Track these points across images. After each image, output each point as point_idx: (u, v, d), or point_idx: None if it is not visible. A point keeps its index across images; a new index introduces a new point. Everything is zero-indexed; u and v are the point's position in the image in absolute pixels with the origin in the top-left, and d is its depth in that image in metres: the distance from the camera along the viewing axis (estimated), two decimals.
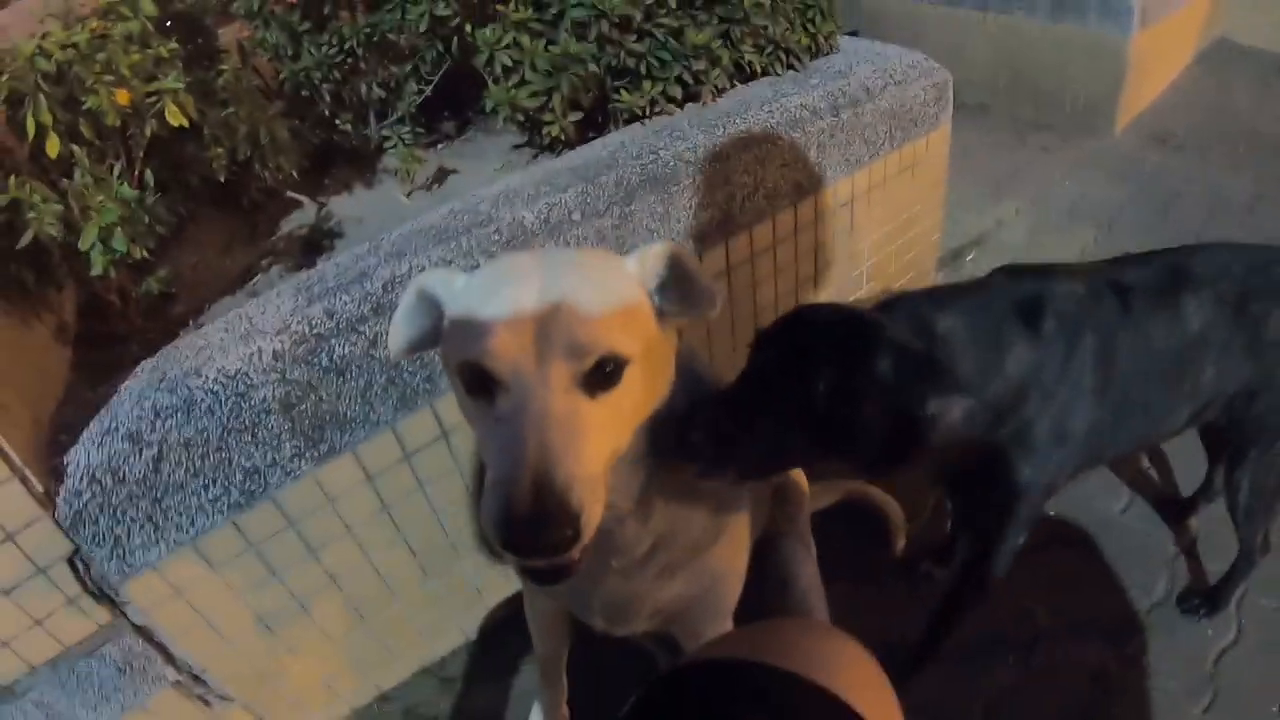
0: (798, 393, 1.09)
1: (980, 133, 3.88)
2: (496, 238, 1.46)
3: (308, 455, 1.36)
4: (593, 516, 0.76)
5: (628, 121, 1.80)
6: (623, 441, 0.85)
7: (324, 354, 1.32)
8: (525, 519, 0.72)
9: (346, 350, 1.34)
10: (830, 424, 1.09)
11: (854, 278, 2.21)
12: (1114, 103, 3.79)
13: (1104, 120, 3.85)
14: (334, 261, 1.48)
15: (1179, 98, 4.37)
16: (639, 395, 0.85)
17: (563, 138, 1.74)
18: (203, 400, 1.23)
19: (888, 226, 2.23)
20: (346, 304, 1.36)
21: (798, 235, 1.90)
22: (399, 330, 0.95)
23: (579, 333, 0.79)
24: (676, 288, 0.90)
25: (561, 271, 0.84)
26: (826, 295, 2.11)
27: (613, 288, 0.85)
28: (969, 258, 2.98)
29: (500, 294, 0.82)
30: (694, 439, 1.00)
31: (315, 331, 1.32)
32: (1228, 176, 3.63)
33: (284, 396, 1.30)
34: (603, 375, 0.80)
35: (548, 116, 1.71)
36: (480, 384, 0.81)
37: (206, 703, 1.45)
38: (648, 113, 1.79)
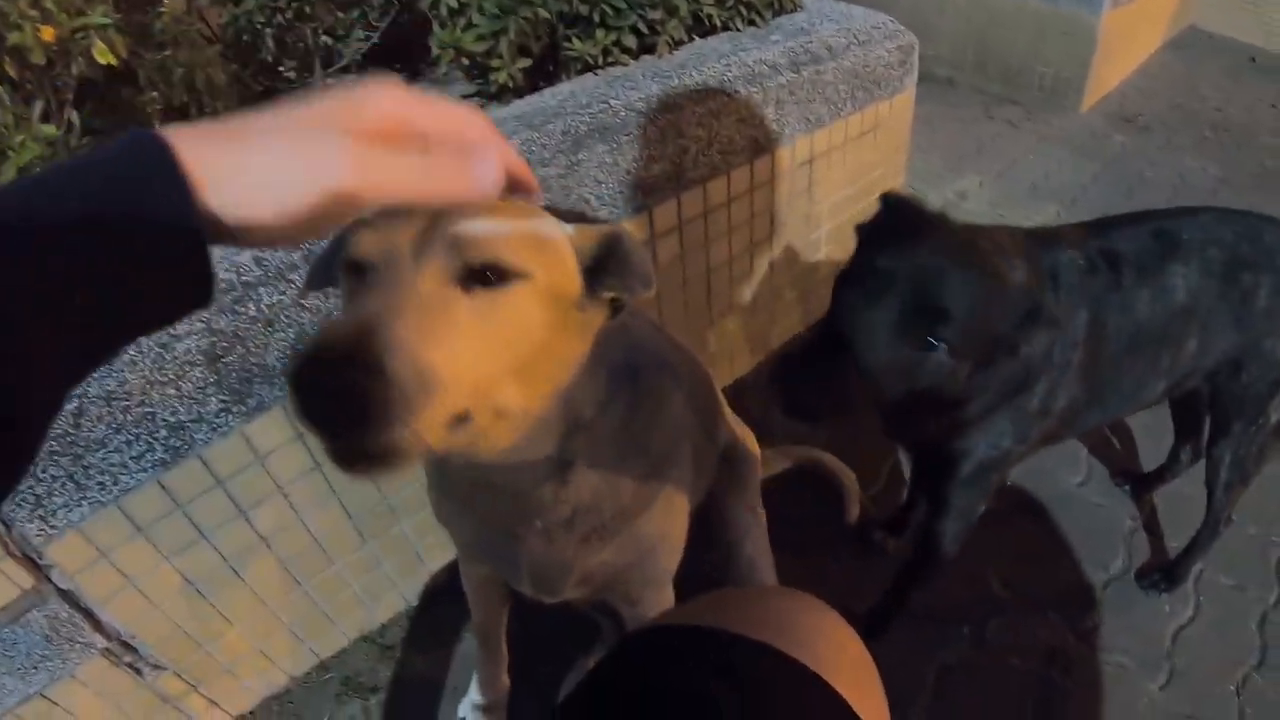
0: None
1: (946, 105, 3.86)
2: None
3: (235, 410, 1.29)
4: (420, 406, 0.61)
5: (580, 71, 1.73)
6: (500, 371, 0.72)
7: (251, 302, 1.24)
8: (319, 355, 0.58)
9: (275, 299, 1.27)
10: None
11: (812, 240, 2.17)
12: (1082, 81, 3.79)
13: (1071, 98, 3.85)
14: None
15: (1147, 81, 4.39)
16: (536, 331, 0.74)
17: (511, 85, 1.67)
18: (123, 352, 1.16)
19: (848, 190, 2.19)
20: (276, 250, 1.29)
21: (753, 193, 1.85)
22: (313, 262, 0.88)
23: (466, 232, 0.69)
24: (612, 265, 0.83)
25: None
26: (782, 256, 2.06)
27: (529, 220, 0.77)
28: None
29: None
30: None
31: (243, 279, 1.25)
32: (1192, 160, 3.64)
33: (209, 348, 1.23)
34: (485, 277, 0.69)
35: (495, 62, 1.64)
36: (359, 281, 0.70)
37: (138, 671, 1.39)
38: (601, 62, 1.72)
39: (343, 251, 0.73)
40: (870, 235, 1.16)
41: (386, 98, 0.51)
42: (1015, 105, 3.91)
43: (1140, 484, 2.05)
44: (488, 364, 0.70)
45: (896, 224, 1.13)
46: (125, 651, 1.37)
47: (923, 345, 1.05)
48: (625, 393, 0.98)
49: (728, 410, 1.50)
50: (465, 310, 0.68)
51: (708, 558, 1.47)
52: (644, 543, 1.12)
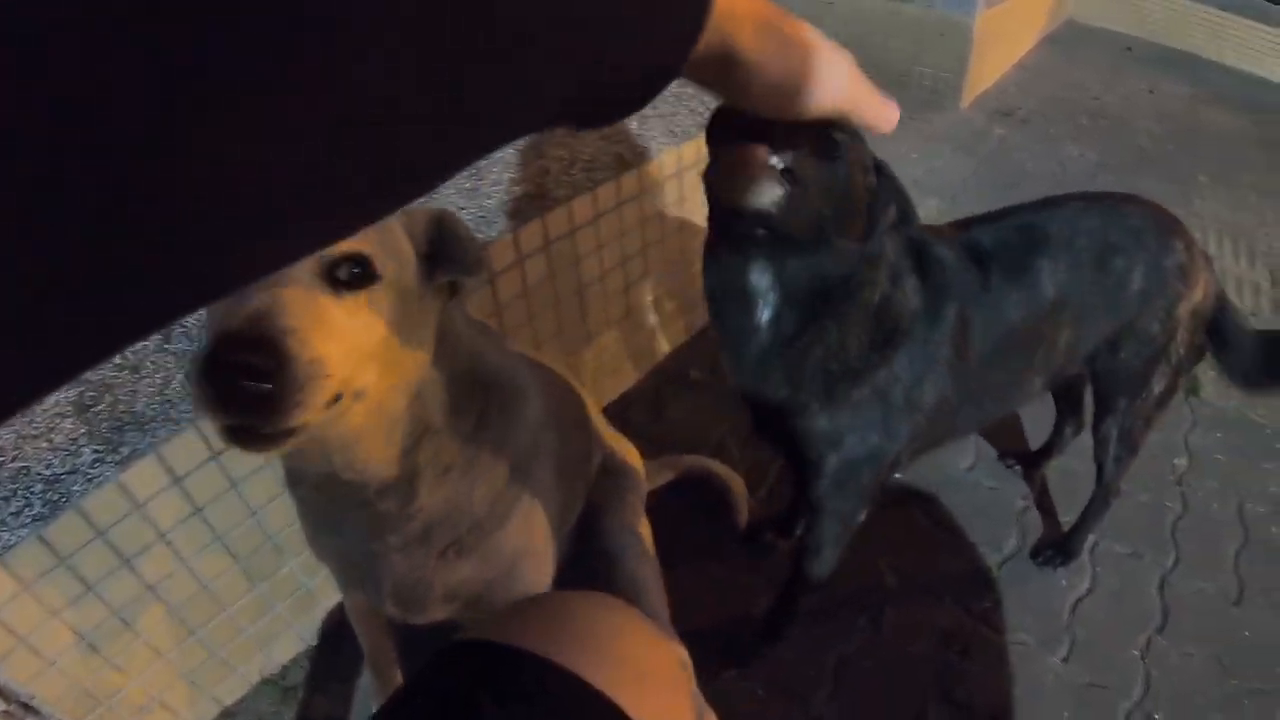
0: None
1: None
2: None
3: (109, 459, 1.27)
4: (309, 391, 0.69)
5: None
6: (363, 358, 0.78)
7: None
8: (227, 345, 0.66)
9: (140, 345, 1.26)
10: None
11: (688, 252, 2.19)
12: (960, 80, 3.90)
13: (950, 97, 3.95)
14: None
15: (1025, 75, 4.54)
16: (385, 329, 0.80)
17: None
18: None
19: None
20: None
21: (621, 208, 1.87)
22: None
23: None
24: (444, 249, 0.87)
25: None
26: (656, 268, 2.09)
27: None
28: None
29: None
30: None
31: None
32: (1072, 148, 3.78)
33: (78, 398, 1.23)
34: (349, 275, 0.76)
35: None
36: None
37: None
38: None
39: None
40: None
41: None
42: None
43: (1029, 462, 2.09)
44: (355, 352, 0.76)
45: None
46: (26, 714, 1.33)
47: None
48: (475, 403, 1.00)
49: (604, 425, 1.52)
50: (337, 313, 0.74)
51: (587, 571, 1.49)
52: (504, 557, 1.13)
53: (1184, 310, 1.44)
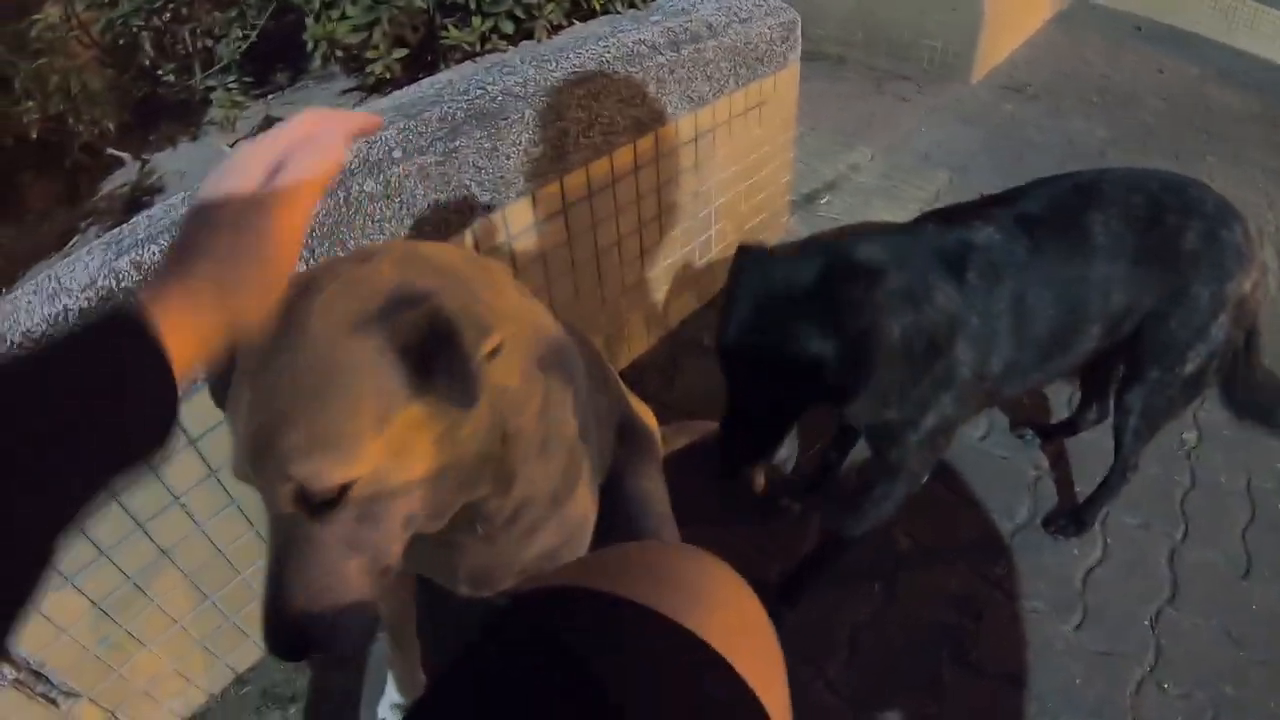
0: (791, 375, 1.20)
1: (837, 82, 3.93)
2: None
3: None
4: (355, 616, 0.76)
5: (460, 60, 1.74)
6: (394, 534, 0.80)
7: None
8: (276, 649, 0.74)
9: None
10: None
11: (702, 218, 2.19)
12: (970, 55, 3.88)
13: (960, 72, 3.94)
14: (146, 213, 1.38)
15: (1035, 52, 4.51)
16: (401, 498, 0.78)
17: (389, 76, 1.67)
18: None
19: (736, 166, 2.21)
20: (155, 254, 1.26)
21: (638, 172, 1.86)
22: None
23: (274, 458, 0.72)
24: (441, 360, 0.74)
25: (273, 387, 0.73)
26: (672, 235, 2.09)
27: (330, 402, 0.73)
28: (824, 200, 3.00)
29: (227, 410, 0.78)
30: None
31: (123, 285, 1.23)
32: (1079, 124, 3.76)
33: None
34: (321, 499, 0.73)
35: (371, 54, 1.64)
36: None
37: (52, 700, 1.34)
38: (479, 50, 1.73)
39: None
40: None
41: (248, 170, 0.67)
42: (905, 80, 3.99)
43: (1046, 434, 2.12)
44: (376, 550, 0.78)
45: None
46: (37, 681, 1.32)
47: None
48: (538, 384, 0.97)
49: (622, 387, 1.51)
50: (327, 535, 0.75)
51: (610, 535, 1.48)
52: (573, 525, 1.13)
53: (1232, 293, 1.45)
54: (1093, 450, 1.99)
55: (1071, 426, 2.08)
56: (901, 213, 2.74)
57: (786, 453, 2.01)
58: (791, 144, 2.43)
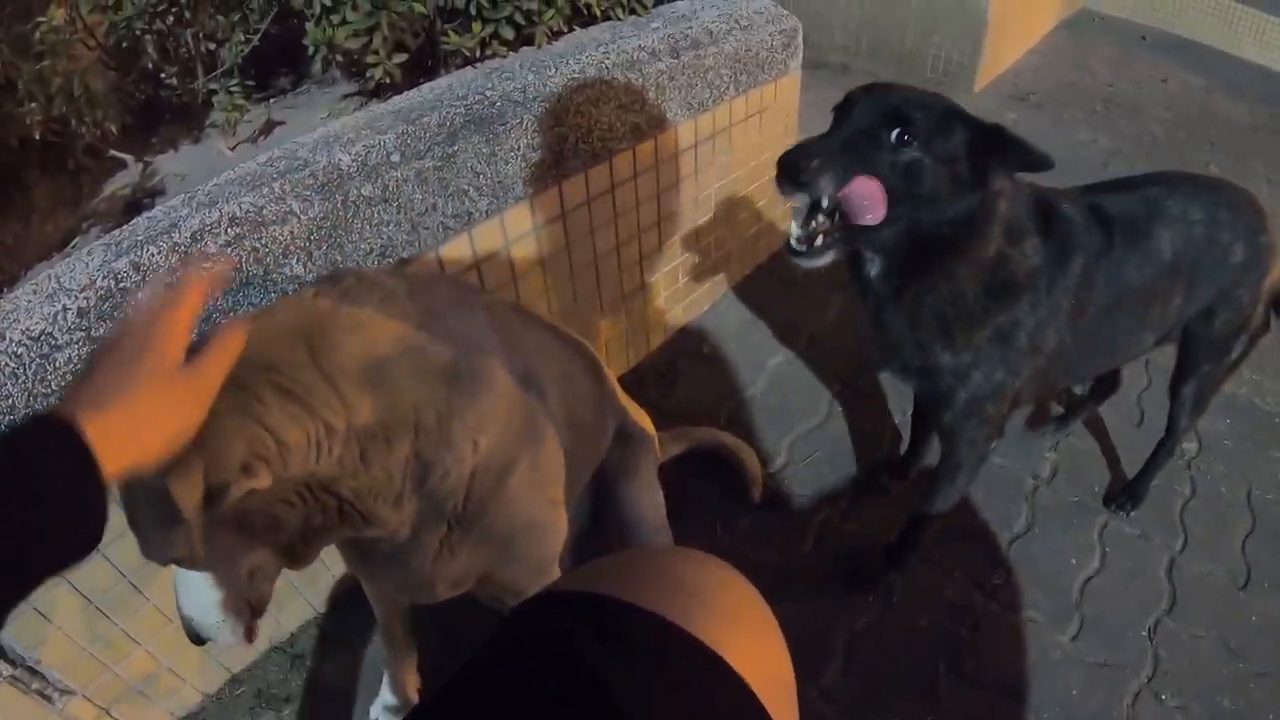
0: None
1: (840, 91, 3.88)
2: (311, 181, 1.38)
3: None
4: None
5: (460, 65, 1.74)
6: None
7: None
8: None
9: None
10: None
11: (703, 224, 2.19)
12: (974, 64, 3.88)
13: (964, 80, 3.93)
14: (146, 215, 1.39)
15: (1039, 60, 4.51)
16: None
17: (389, 81, 1.67)
18: (5, 365, 1.13)
19: (736, 172, 2.21)
20: (154, 255, 1.27)
21: (637, 179, 1.86)
22: None
23: None
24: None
25: None
26: (671, 242, 2.09)
27: None
28: None
29: None
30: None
31: (121, 285, 1.23)
32: (1083, 133, 3.76)
33: (89, 356, 1.21)
34: None
35: (371, 58, 1.64)
36: None
37: (47, 697, 1.34)
38: (479, 55, 1.73)
39: None
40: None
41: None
42: None
43: (1066, 418, 2.15)
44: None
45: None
46: (32, 678, 1.32)
47: (899, 143, 1.16)
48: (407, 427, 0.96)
49: (620, 392, 1.51)
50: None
51: (604, 539, 1.48)
52: (498, 538, 1.13)
53: (1269, 284, 1.60)
54: (1088, 456, 1.99)
55: (1082, 407, 2.14)
56: None
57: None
58: None
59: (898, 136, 1.15)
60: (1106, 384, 2.08)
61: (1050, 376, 1.52)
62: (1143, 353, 1.65)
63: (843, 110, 1.23)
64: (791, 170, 1.13)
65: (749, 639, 0.69)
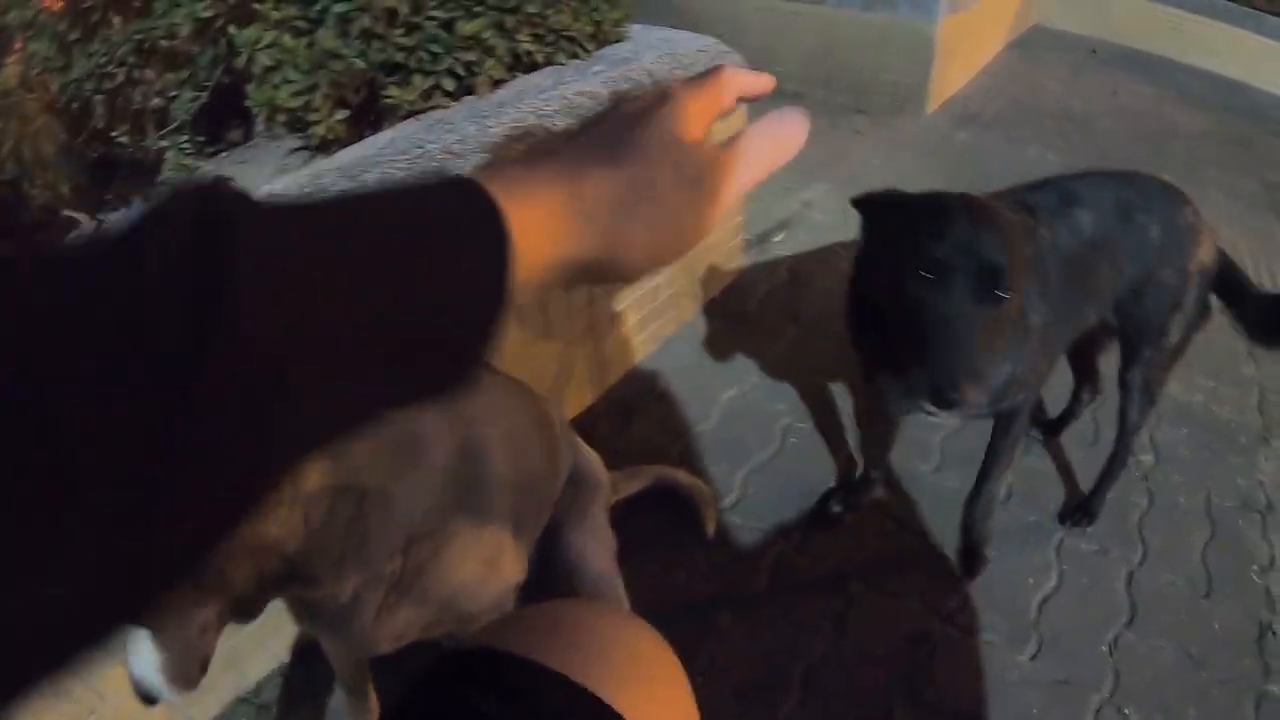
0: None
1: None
2: None
3: None
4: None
5: (404, 118, 1.76)
6: None
7: None
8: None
9: None
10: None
11: None
12: (924, 87, 3.94)
13: (915, 104, 3.99)
14: None
15: (991, 80, 4.58)
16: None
17: (331, 137, 1.69)
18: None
19: None
20: None
21: None
22: None
23: None
24: None
25: None
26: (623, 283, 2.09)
27: None
28: (777, 239, 3.01)
29: None
30: None
31: None
32: (1034, 150, 3.82)
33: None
34: None
35: (313, 116, 1.66)
36: None
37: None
38: (423, 107, 1.75)
39: None
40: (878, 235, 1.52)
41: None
42: (861, 114, 4.02)
43: (1049, 430, 2.20)
44: None
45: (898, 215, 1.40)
46: None
47: (996, 300, 1.27)
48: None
49: (570, 433, 1.52)
50: None
51: (549, 585, 1.48)
52: (440, 597, 1.15)
53: (1194, 266, 1.67)
54: (1043, 476, 2.02)
55: (1069, 415, 2.18)
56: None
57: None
58: None
59: (997, 295, 1.26)
60: (1085, 393, 2.14)
61: (1038, 359, 1.60)
62: (1091, 323, 1.73)
63: (911, 240, 1.31)
64: (941, 400, 1.23)
65: (650, 694, 0.71)
